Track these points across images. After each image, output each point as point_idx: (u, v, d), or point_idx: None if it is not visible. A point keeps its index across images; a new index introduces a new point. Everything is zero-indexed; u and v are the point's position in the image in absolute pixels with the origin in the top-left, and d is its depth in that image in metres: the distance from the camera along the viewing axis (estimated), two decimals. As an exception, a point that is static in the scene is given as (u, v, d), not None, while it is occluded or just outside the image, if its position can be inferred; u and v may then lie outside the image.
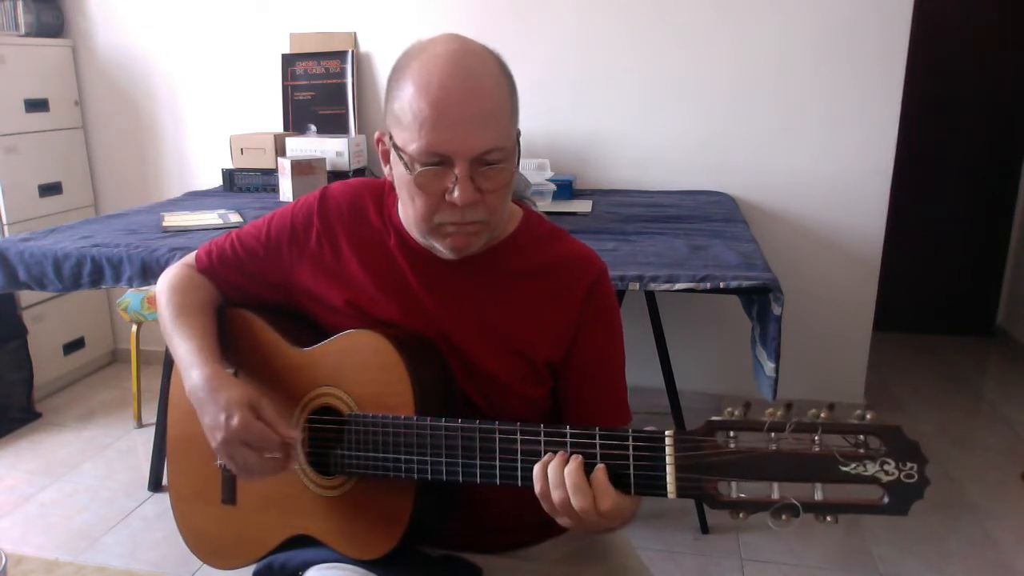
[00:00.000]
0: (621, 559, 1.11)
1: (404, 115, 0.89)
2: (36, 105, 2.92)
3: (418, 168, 0.89)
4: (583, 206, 2.38)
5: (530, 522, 0.87)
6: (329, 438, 1.00)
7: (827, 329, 2.71)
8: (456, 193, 0.89)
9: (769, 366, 1.62)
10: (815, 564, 2.01)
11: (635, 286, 1.66)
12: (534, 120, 2.71)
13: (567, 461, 0.85)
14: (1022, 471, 2.42)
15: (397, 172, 0.94)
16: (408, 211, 0.96)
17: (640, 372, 2.08)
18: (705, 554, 2.06)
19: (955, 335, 3.60)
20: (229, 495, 1.08)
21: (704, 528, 2.14)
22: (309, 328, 1.07)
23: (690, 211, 2.32)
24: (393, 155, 0.94)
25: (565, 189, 2.52)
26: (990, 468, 2.47)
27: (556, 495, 0.84)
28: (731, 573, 1.99)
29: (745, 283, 1.62)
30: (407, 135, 0.89)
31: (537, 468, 0.86)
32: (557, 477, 0.84)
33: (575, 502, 0.83)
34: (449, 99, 0.87)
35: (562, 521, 0.86)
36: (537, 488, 0.86)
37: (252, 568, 1.09)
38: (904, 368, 3.26)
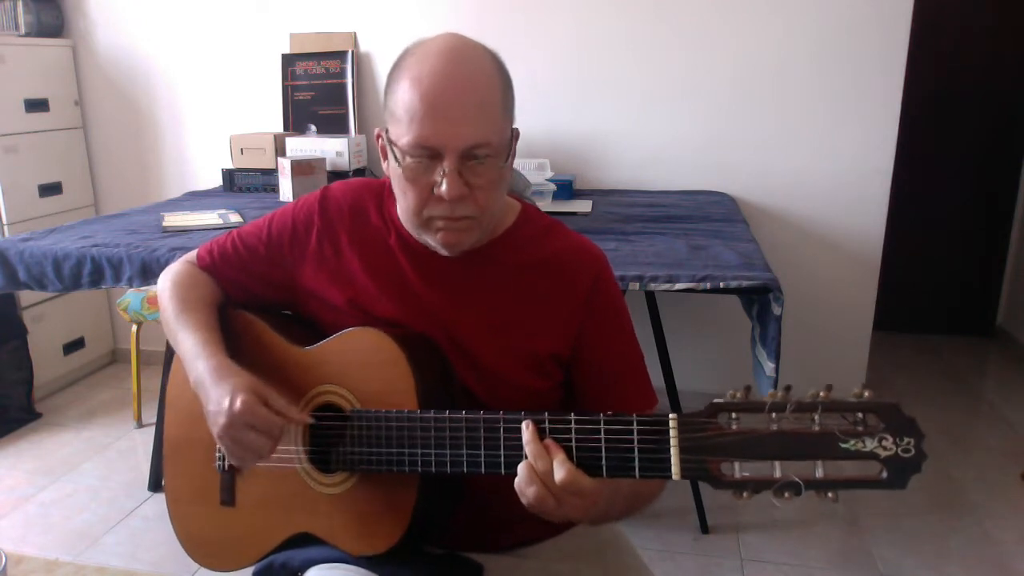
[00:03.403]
0: (621, 558, 1.11)
1: (397, 109, 0.91)
2: (36, 105, 2.92)
3: (407, 160, 0.90)
4: (583, 206, 2.38)
5: (531, 520, 0.86)
6: (331, 435, 1.00)
7: (827, 329, 2.71)
8: (444, 187, 0.89)
9: (769, 366, 1.62)
10: (815, 564, 2.01)
11: (635, 286, 1.66)
12: (534, 120, 2.71)
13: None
14: (1022, 471, 2.42)
15: (391, 166, 0.95)
16: (400, 205, 0.97)
17: (640, 372, 2.08)
18: (705, 554, 2.05)
19: (955, 335, 3.60)
20: (228, 496, 1.08)
21: (704, 528, 2.14)
22: (309, 328, 1.07)
23: (690, 211, 2.32)
24: (388, 149, 0.94)
25: (565, 189, 2.52)
26: (990, 468, 2.46)
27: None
28: (731, 573, 1.98)
29: (745, 283, 1.62)
30: (400, 128, 0.91)
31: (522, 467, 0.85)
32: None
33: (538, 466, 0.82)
34: (439, 93, 0.88)
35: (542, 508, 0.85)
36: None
37: (251, 569, 1.09)
38: (904, 368, 3.26)
